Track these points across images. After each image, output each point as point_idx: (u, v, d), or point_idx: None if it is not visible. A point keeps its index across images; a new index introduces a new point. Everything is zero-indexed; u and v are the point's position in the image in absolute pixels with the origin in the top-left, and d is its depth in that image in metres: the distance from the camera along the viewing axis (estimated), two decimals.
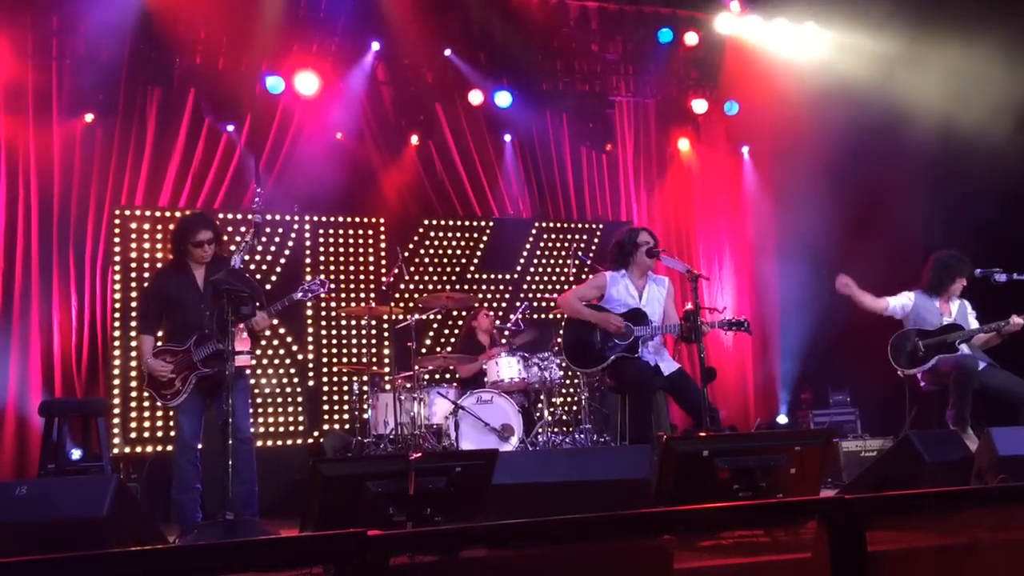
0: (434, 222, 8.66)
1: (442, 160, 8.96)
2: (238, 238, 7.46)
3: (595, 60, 9.55)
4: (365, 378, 7.32)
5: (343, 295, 8.15)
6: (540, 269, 8.95)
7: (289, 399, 7.77)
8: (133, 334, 7.08)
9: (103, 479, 4.72)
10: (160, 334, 5.24)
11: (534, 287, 8.87)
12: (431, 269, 8.53)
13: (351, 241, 8.28)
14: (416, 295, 8.20)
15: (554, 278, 8.97)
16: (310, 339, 7.96)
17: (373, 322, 8.00)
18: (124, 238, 7.46)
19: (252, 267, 7.66)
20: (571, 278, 8.30)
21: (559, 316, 7.78)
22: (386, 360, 8.03)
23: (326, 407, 7.90)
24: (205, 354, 4.95)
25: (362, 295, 8.20)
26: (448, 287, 8.37)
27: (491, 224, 8.85)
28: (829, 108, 8.19)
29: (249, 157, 8.15)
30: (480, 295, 8.44)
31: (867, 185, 8.19)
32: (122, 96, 7.76)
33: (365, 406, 7.18)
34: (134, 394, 7.18)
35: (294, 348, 7.88)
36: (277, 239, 7.95)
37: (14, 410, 7.05)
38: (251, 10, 8.00)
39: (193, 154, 7.97)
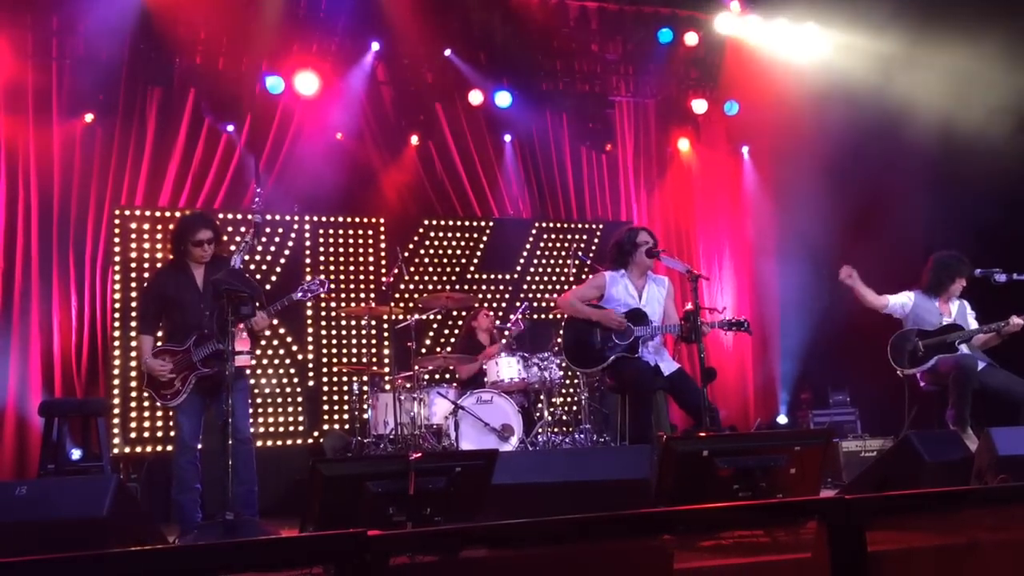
0: (434, 222, 8.66)
1: (442, 160, 8.96)
2: (238, 238, 7.46)
3: (595, 60, 9.55)
4: (365, 378, 7.32)
5: (343, 295, 8.15)
6: (540, 269, 8.95)
7: (289, 399, 7.77)
8: (133, 334, 7.08)
9: (103, 479, 4.72)
10: (160, 334, 5.24)
11: (534, 287, 8.87)
12: (431, 269, 8.53)
13: (351, 241, 8.28)
14: (416, 295, 8.20)
15: (554, 278, 8.97)
16: (310, 339, 7.96)
17: (373, 322, 8.00)
18: (124, 238, 7.46)
19: (252, 267, 7.67)
20: (571, 278, 8.30)
21: (559, 316, 7.78)
22: (386, 360, 8.03)
23: (326, 407, 7.90)
24: (205, 354, 4.95)
25: (362, 295, 8.20)
26: (448, 287, 8.37)
27: (491, 224, 8.85)
28: (829, 108, 8.19)
29: (249, 157, 8.16)
30: (480, 295, 8.44)
31: (867, 185, 8.19)
32: (122, 96, 7.76)
33: (365, 406, 7.18)
34: (134, 394, 7.18)
35: (294, 348, 7.88)
36: (277, 239, 7.95)
37: (14, 410, 7.05)
38: (251, 10, 8.01)
39: (193, 154, 7.97)
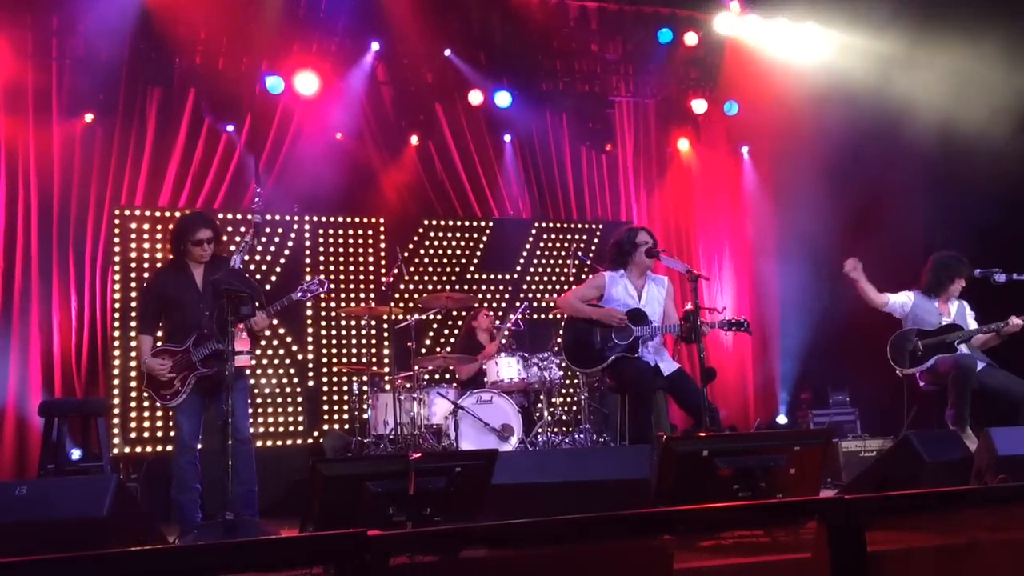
0: (434, 222, 8.66)
1: (442, 160, 8.96)
2: (238, 238, 7.46)
3: (595, 60, 9.55)
4: (365, 378, 7.33)
5: (343, 295, 8.15)
6: (540, 269, 8.95)
7: (289, 399, 7.77)
8: (133, 334, 7.08)
9: (103, 479, 4.72)
10: (160, 334, 5.24)
11: (534, 287, 8.87)
12: (431, 269, 8.53)
13: (351, 241, 8.28)
14: (416, 295, 8.20)
15: (554, 278, 8.97)
16: (310, 339, 7.96)
17: (373, 322, 8.00)
18: (124, 238, 7.46)
19: (252, 267, 7.67)
20: (571, 278, 8.30)
21: (559, 316, 7.78)
22: (386, 360, 8.03)
23: (326, 407, 7.90)
24: (204, 354, 4.95)
25: (362, 295, 8.20)
26: (448, 287, 8.37)
27: (491, 224, 8.85)
28: (829, 108, 8.19)
29: (249, 157, 8.15)
30: (480, 295, 8.44)
31: (867, 185, 8.19)
32: (122, 96, 7.76)
33: (365, 406, 7.18)
34: (134, 394, 7.18)
35: (294, 348, 7.88)
36: (277, 239, 7.95)
37: (14, 410, 7.05)
38: (251, 10, 8.02)
39: (193, 154, 7.97)
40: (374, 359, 8.07)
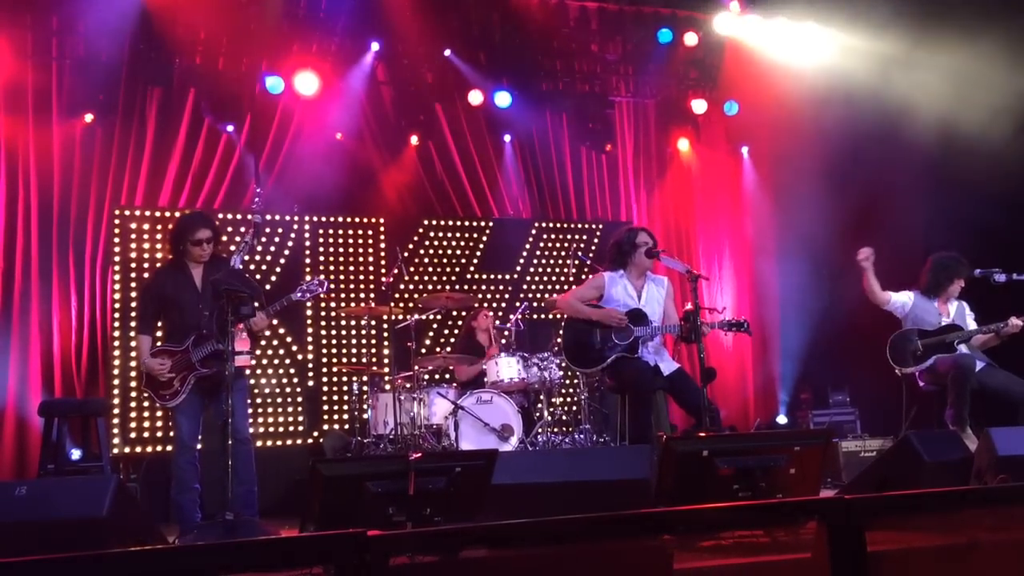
0: (434, 222, 8.66)
1: (442, 160, 8.96)
2: (238, 238, 7.46)
3: (595, 60, 9.55)
4: (365, 378, 7.32)
5: (343, 295, 8.15)
6: (540, 269, 8.95)
7: (289, 399, 7.77)
8: (133, 334, 7.08)
9: (103, 479, 4.72)
10: (159, 334, 5.24)
11: (534, 287, 8.87)
12: (431, 269, 8.53)
13: (351, 241, 8.27)
14: (416, 295, 8.20)
15: (554, 278, 8.96)
16: (310, 339, 7.96)
17: (373, 322, 8.00)
18: (124, 238, 7.45)
19: (252, 267, 7.66)
20: (571, 278, 8.30)
21: (559, 316, 7.78)
22: (386, 360, 8.03)
23: (326, 407, 7.90)
24: (203, 354, 4.95)
25: (362, 295, 8.20)
26: (448, 287, 8.37)
27: (491, 224, 8.85)
28: (829, 109, 8.19)
29: (249, 157, 8.15)
30: (480, 295, 8.44)
31: (867, 185, 8.19)
32: (122, 96, 7.75)
33: (365, 406, 7.18)
34: (134, 394, 7.18)
35: (294, 348, 7.87)
36: (277, 239, 7.95)
37: (14, 410, 7.04)
38: (251, 10, 8.02)
39: (193, 154, 7.96)
40: (374, 359, 8.07)
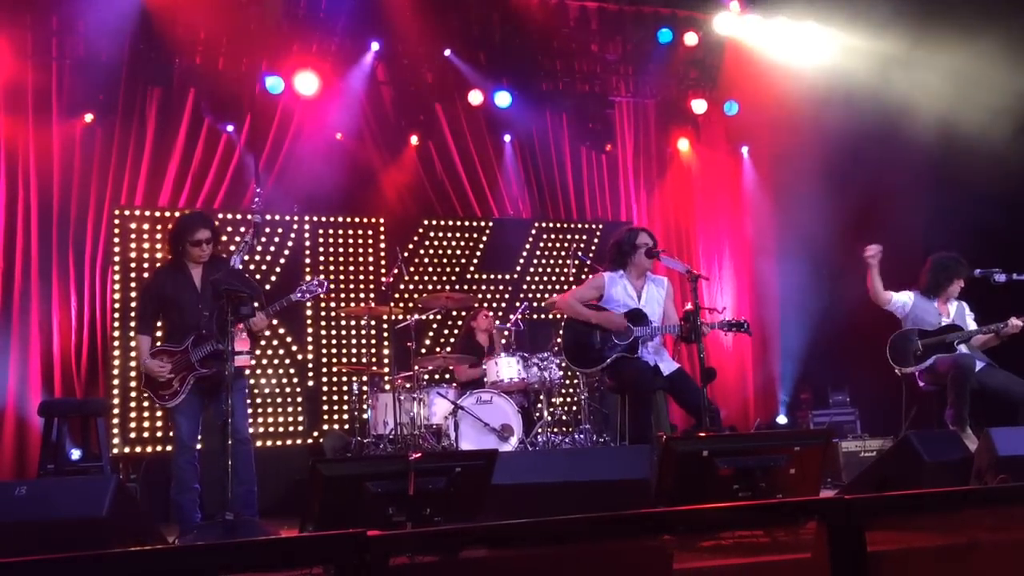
0: (434, 222, 8.66)
1: (442, 160, 8.96)
2: (238, 238, 7.46)
3: (595, 60, 9.55)
4: (365, 378, 7.33)
5: (343, 295, 8.15)
6: (540, 269, 8.95)
7: (289, 399, 7.77)
8: (132, 334, 7.07)
9: (103, 479, 4.72)
10: (159, 334, 5.23)
11: (534, 287, 8.87)
12: (431, 269, 8.53)
13: (351, 241, 8.27)
14: (416, 295, 8.20)
15: (554, 278, 8.97)
16: (310, 339, 7.96)
17: (373, 322, 8.00)
18: (124, 238, 7.45)
19: (252, 267, 7.66)
20: (571, 278, 8.30)
21: (559, 316, 7.78)
22: (386, 360, 8.03)
23: (326, 407, 7.90)
24: (203, 354, 4.95)
25: (362, 295, 8.20)
26: (448, 287, 8.37)
27: (491, 224, 8.85)
28: (829, 108, 8.19)
29: (249, 157, 8.15)
30: (480, 295, 8.44)
31: (867, 186, 8.19)
32: (122, 96, 7.76)
33: (365, 406, 7.18)
34: (133, 394, 7.17)
35: (294, 348, 7.87)
36: (277, 239, 7.95)
37: (14, 410, 7.04)
38: (251, 10, 8.02)
39: (193, 154, 7.96)
40: (374, 359, 8.07)
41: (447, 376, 7.91)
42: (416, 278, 8.41)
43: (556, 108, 9.33)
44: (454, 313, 8.28)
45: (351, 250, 8.25)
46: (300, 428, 7.75)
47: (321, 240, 8.17)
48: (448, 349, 8.04)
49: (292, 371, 7.82)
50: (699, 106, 9.58)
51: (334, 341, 8.04)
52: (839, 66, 8.61)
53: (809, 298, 8.81)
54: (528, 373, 7.02)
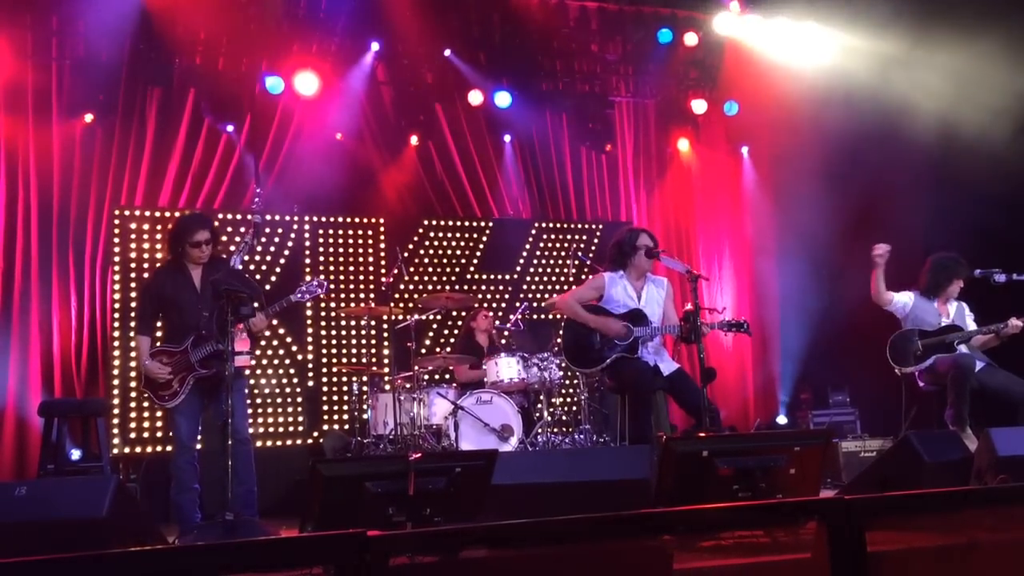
0: (434, 222, 8.66)
1: (442, 160, 8.96)
2: (238, 238, 7.46)
3: (595, 60, 9.55)
4: (365, 378, 7.32)
5: (343, 295, 8.15)
6: (540, 269, 8.95)
7: (289, 399, 7.77)
8: (132, 335, 7.07)
9: (103, 479, 4.72)
10: (158, 335, 5.23)
11: (534, 287, 8.87)
12: (431, 269, 8.53)
13: (351, 241, 8.28)
14: (416, 295, 8.20)
15: (554, 278, 8.97)
16: (310, 339, 7.96)
17: (373, 322, 8.00)
18: (124, 238, 7.46)
19: (252, 267, 7.66)
20: (571, 278, 8.30)
21: (559, 317, 7.78)
22: (386, 360, 8.03)
23: (326, 407, 7.90)
24: (202, 355, 4.95)
25: (362, 295, 8.20)
26: (448, 287, 8.37)
27: (491, 224, 8.85)
28: (829, 109, 8.19)
29: (249, 157, 8.15)
30: (480, 295, 8.44)
31: (867, 186, 8.19)
32: (122, 96, 7.76)
33: (365, 406, 7.18)
34: (133, 394, 7.17)
35: (294, 348, 7.87)
36: (277, 239, 7.95)
37: (14, 410, 7.04)
38: (251, 10, 8.02)
39: (193, 154, 7.97)
40: (374, 359, 8.07)
41: (447, 376, 7.91)
42: (416, 278, 8.41)
43: (556, 108, 9.33)
44: (454, 313, 8.28)
45: (351, 250, 8.25)
46: (300, 428, 7.75)
47: (321, 240, 8.17)
48: (448, 349, 8.04)
49: (292, 371, 7.82)
50: (699, 106, 9.58)
51: (334, 341, 8.04)
52: (839, 66, 8.62)
53: (809, 298, 8.81)
54: (528, 373, 7.02)
